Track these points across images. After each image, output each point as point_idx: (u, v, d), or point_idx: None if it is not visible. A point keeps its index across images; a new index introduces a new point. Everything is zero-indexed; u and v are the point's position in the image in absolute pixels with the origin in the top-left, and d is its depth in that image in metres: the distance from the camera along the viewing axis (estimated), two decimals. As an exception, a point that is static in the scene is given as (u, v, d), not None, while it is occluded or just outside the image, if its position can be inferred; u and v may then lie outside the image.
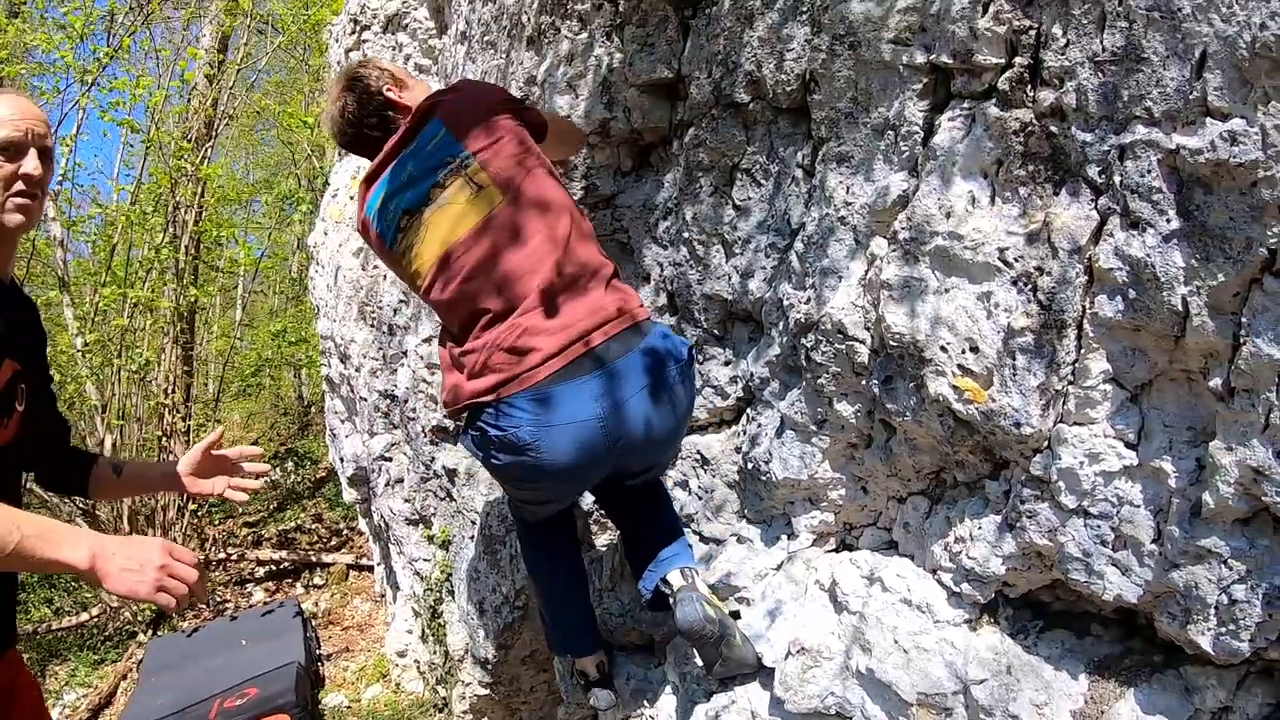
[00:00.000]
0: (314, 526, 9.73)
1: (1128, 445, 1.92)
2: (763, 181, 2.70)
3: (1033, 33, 2.00)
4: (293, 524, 9.92)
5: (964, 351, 2.11)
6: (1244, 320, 1.69)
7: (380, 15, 4.73)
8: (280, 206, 11.72)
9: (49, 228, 8.73)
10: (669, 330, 2.53)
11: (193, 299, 9.31)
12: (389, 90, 2.67)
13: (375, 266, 4.42)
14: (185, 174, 8.53)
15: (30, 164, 2.10)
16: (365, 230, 2.70)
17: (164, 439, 9.04)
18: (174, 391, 9.40)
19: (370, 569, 7.90)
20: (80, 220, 9.42)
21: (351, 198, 4.69)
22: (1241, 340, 1.69)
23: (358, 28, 4.93)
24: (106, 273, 8.89)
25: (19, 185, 2.10)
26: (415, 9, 4.56)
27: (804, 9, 2.53)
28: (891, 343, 2.26)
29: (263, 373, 14.04)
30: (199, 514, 9.06)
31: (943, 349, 2.15)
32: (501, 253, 2.39)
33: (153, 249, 9.01)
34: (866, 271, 2.36)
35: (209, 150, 9.69)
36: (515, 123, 2.56)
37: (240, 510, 10.42)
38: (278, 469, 11.60)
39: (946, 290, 2.14)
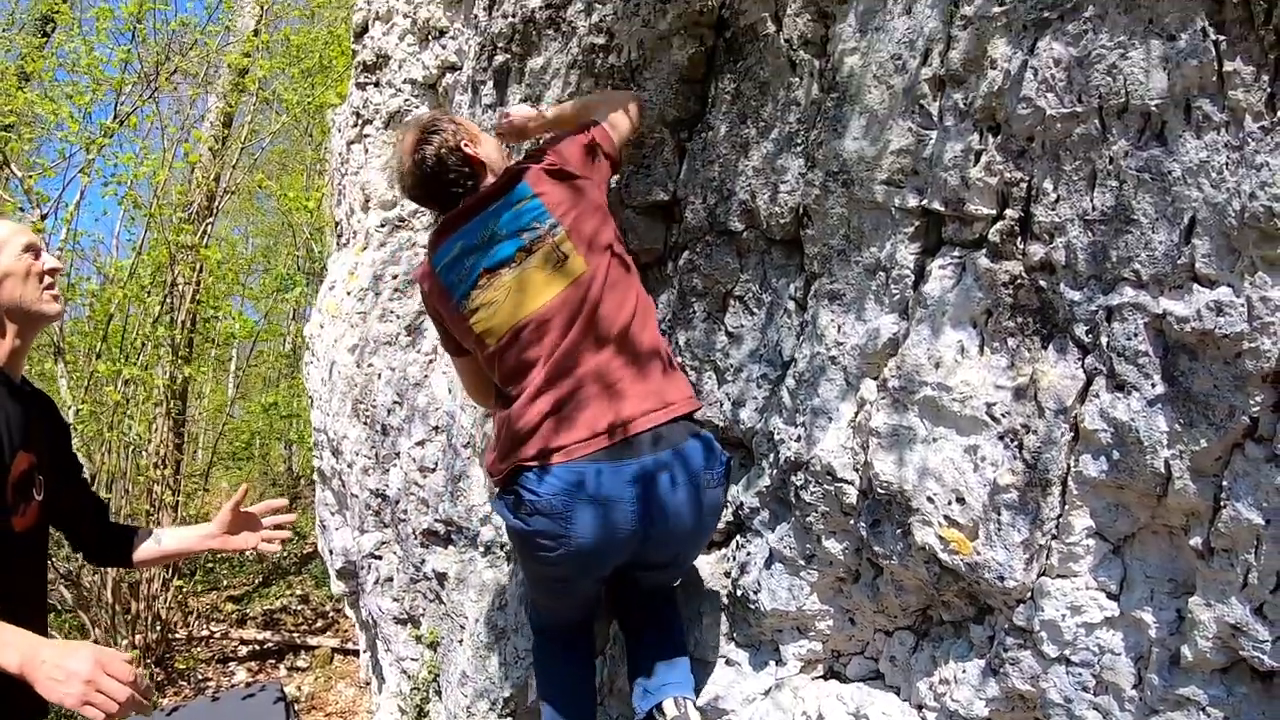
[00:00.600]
0: (300, 608, 9.63)
1: (1110, 596, 1.94)
2: (755, 310, 2.73)
3: (1024, 185, 2.04)
4: (278, 602, 9.82)
5: (950, 503, 2.13)
6: (1225, 484, 1.72)
7: (382, 111, 4.80)
8: (277, 286, 11.78)
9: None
10: (713, 438, 2.55)
11: (186, 375, 9.30)
12: (466, 145, 2.68)
13: (370, 365, 4.44)
14: (184, 251, 8.57)
15: (52, 260, 2.30)
16: (426, 280, 2.72)
17: (152, 512, 8.98)
18: (164, 466, 9.36)
19: (356, 653, 7.81)
20: (79, 282, 9.46)
21: (349, 293, 4.72)
22: (1222, 503, 1.72)
23: (360, 121, 5.00)
24: (102, 342, 8.90)
25: (48, 279, 2.29)
26: (416, 108, 4.62)
27: (798, 142, 2.58)
28: (879, 489, 2.27)
29: (253, 444, 13.99)
30: (183, 588, 8.97)
31: (929, 499, 2.17)
32: (571, 326, 2.43)
33: (149, 322, 9.02)
34: (856, 414, 2.38)
35: (209, 226, 9.75)
36: (598, 188, 2.63)
37: (225, 584, 10.33)
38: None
39: (934, 440, 2.17)
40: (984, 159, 2.11)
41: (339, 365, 4.73)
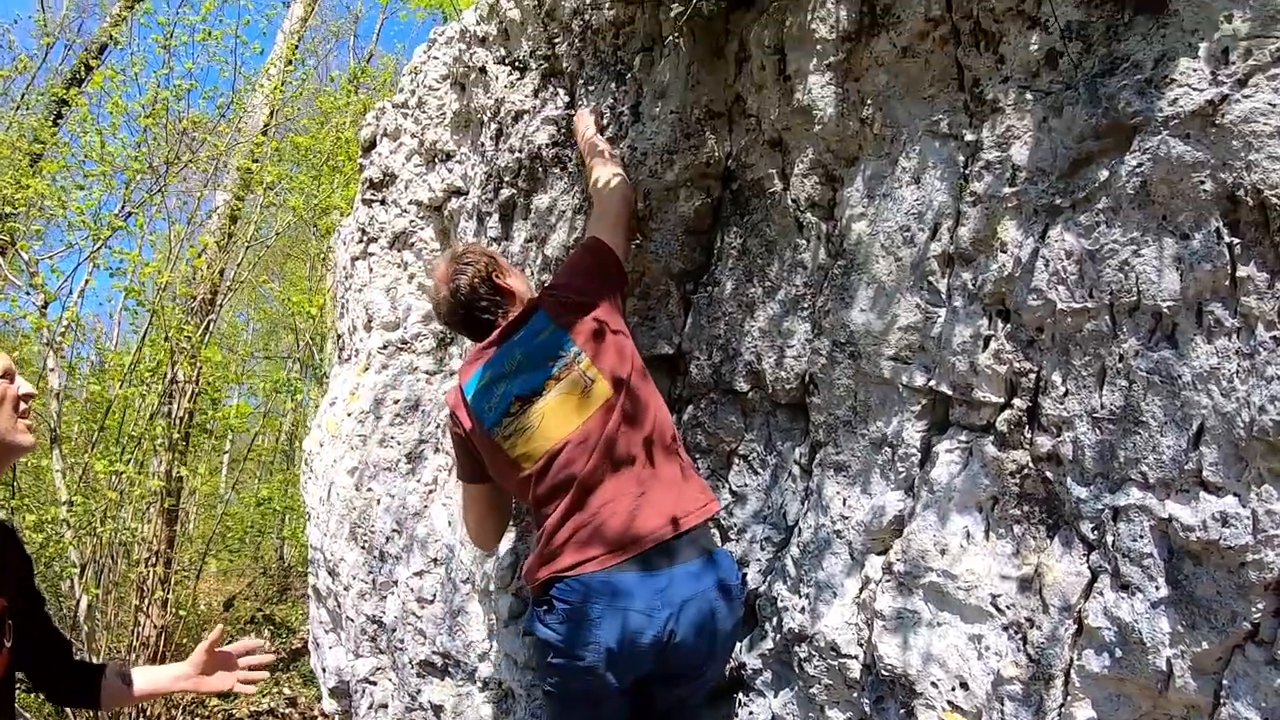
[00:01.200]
0: (288, 711, 9.44)
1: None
2: (760, 470, 2.71)
3: (1033, 376, 2.03)
4: (266, 704, 9.62)
5: (954, 688, 2.09)
6: (1225, 683, 1.70)
7: (388, 230, 4.82)
8: (276, 387, 11.79)
9: (49, 379, 8.72)
10: (729, 554, 2.63)
11: (180, 475, 9.25)
12: (496, 276, 2.84)
13: (369, 490, 4.40)
14: (185, 349, 8.58)
15: (26, 385, 2.18)
16: (459, 408, 2.80)
17: (140, 606, 8.88)
18: (155, 563, 9.27)
19: (345, 763, 7.61)
20: (79, 363, 9.48)
21: (350, 414, 4.70)
22: (1222, 700, 1.70)
23: (365, 238, 5.02)
24: (99, 432, 8.87)
25: (23, 406, 2.17)
26: (421, 229, 4.65)
27: (804, 306, 2.58)
28: (884, 671, 2.23)
29: (246, 537, 13.84)
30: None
31: (933, 684, 2.12)
32: (601, 447, 2.51)
33: (147, 415, 9.00)
34: (861, 591, 2.34)
35: (212, 321, 9.78)
36: (612, 306, 2.72)
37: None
38: (253, 634, 11.33)
39: (939, 625, 2.13)
40: (993, 346, 2.10)
41: (337, 487, 4.68)
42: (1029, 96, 2.12)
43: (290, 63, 10.44)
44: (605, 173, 2.98)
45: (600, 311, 2.69)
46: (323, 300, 10.03)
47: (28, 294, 9.05)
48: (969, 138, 2.24)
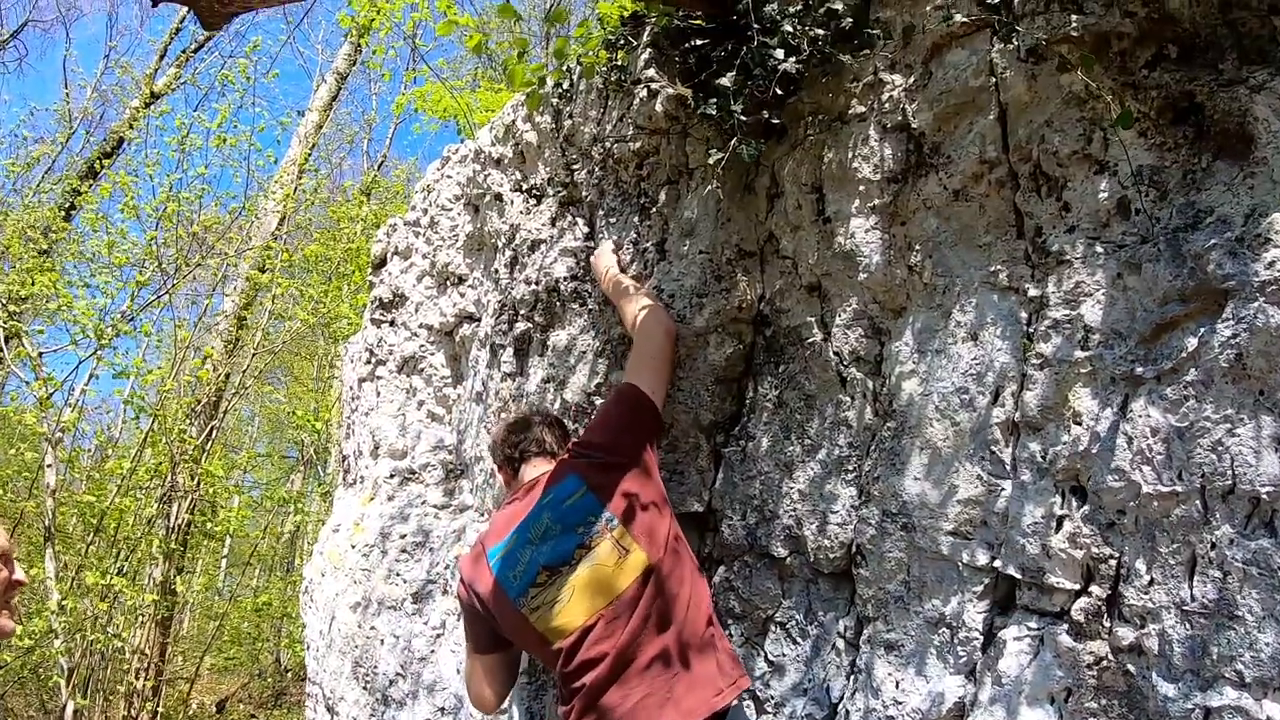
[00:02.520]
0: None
1: None
2: (799, 640, 2.48)
3: (1113, 562, 1.84)
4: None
5: None
6: None
7: (396, 354, 4.65)
8: (279, 501, 11.59)
9: (46, 474, 8.53)
10: None
11: (174, 587, 9.02)
12: (555, 435, 2.82)
13: (373, 628, 4.16)
14: (185, 459, 8.40)
15: (20, 572, 2.13)
16: (480, 579, 2.61)
17: (129, 716, 8.62)
18: (146, 673, 8.99)
19: None
20: (79, 455, 9.31)
21: (354, 546, 4.47)
22: None
23: (373, 360, 4.85)
24: (95, 533, 8.66)
25: (8, 593, 2.11)
26: (431, 354, 4.48)
27: (849, 469, 2.38)
28: None
29: (241, 642, 13.50)
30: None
31: None
32: (635, 620, 2.36)
33: (145, 522, 8.80)
34: (919, 791, 2.10)
35: (216, 428, 9.60)
36: (644, 464, 2.57)
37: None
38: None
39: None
40: (1067, 527, 1.91)
41: (339, 621, 4.44)
42: (1099, 249, 1.98)
43: (303, 171, 10.45)
44: (639, 308, 2.81)
45: (635, 473, 2.53)
46: (327, 415, 9.90)
47: (27, 384, 8.97)
48: (1032, 292, 2.08)
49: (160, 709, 9.32)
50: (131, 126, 12.81)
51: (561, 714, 2.49)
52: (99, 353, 8.86)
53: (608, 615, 2.37)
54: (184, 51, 15.72)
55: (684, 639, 2.36)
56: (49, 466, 8.46)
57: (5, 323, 8.59)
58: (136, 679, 8.73)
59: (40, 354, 8.87)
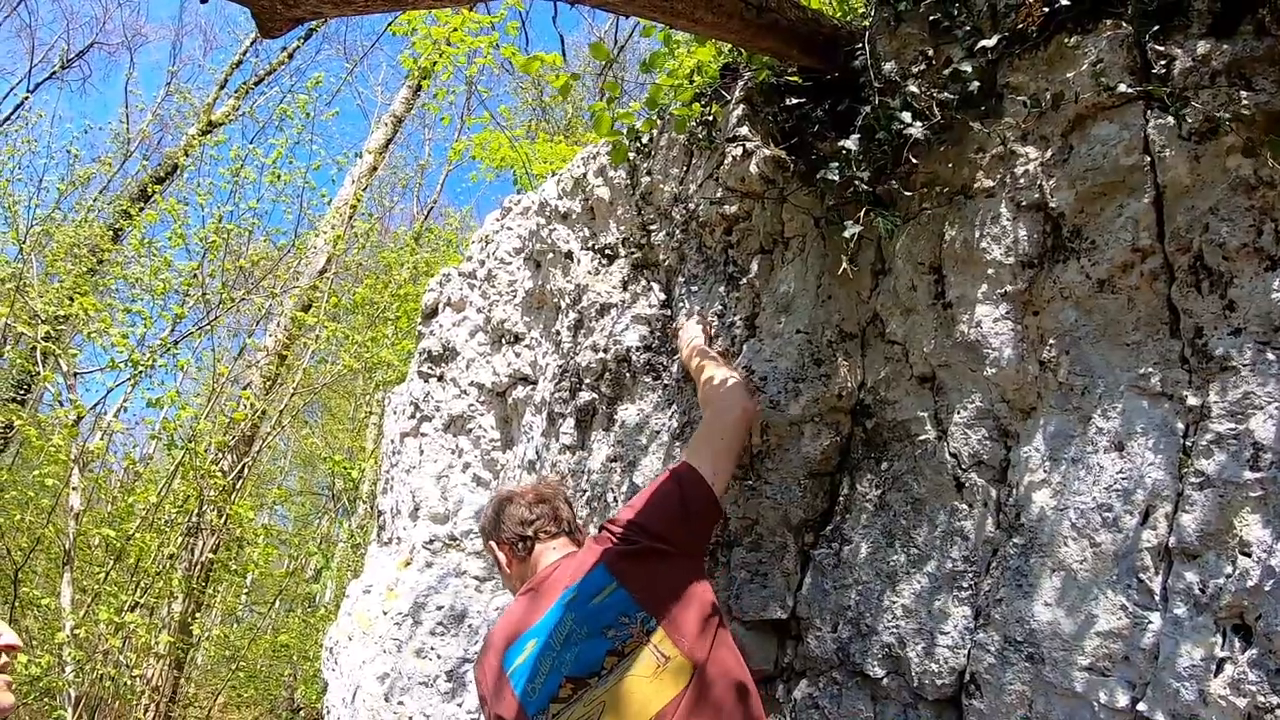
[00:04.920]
0: None
1: None
2: (895, 774, 2.18)
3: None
4: None
5: None
6: None
7: (443, 411, 4.40)
8: (308, 554, 11.42)
9: (70, 497, 8.37)
10: None
11: (191, 629, 8.85)
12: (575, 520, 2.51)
13: (401, 704, 3.88)
14: (213, 500, 8.22)
15: (9, 635, 2.08)
16: (495, 693, 2.22)
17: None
18: (156, 709, 8.78)
19: None
20: (108, 475, 9.19)
21: (385, 613, 4.21)
22: None
23: (418, 415, 4.61)
24: (116, 561, 8.48)
25: (3, 659, 2.05)
26: (481, 415, 4.24)
27: (964, 587, 2.10)
28: None
29: (258, 682, 13.25)
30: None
31: None
32: None
33: (166, 555, 8.61)
34: None
35: (248, 465, 9.42)
36: (692, 555, 2.26)
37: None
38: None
39: None
40: (1229, 671, 1.67)
41: (364, 692, 4.17)
42: (1270, 356, 1.75)
43: (354, 212, 10.38)
44: (718, 381, 2.51)
45: (678, 565, 2.21)
46: (363, 461, 9.72)
47: (59, 405, 8.88)
48: (1191, 401, 1.84)
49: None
50: (186, 154, 12.86)
51: None
52: (136, 379, 8.74)
53: None
54: (244, 84, 15.89)
55: None
56: (74, 489, 8.31)
57: (43, 339, 8.48)
58: (145, 715, 8.51)
59: (76, 374, 8.79)
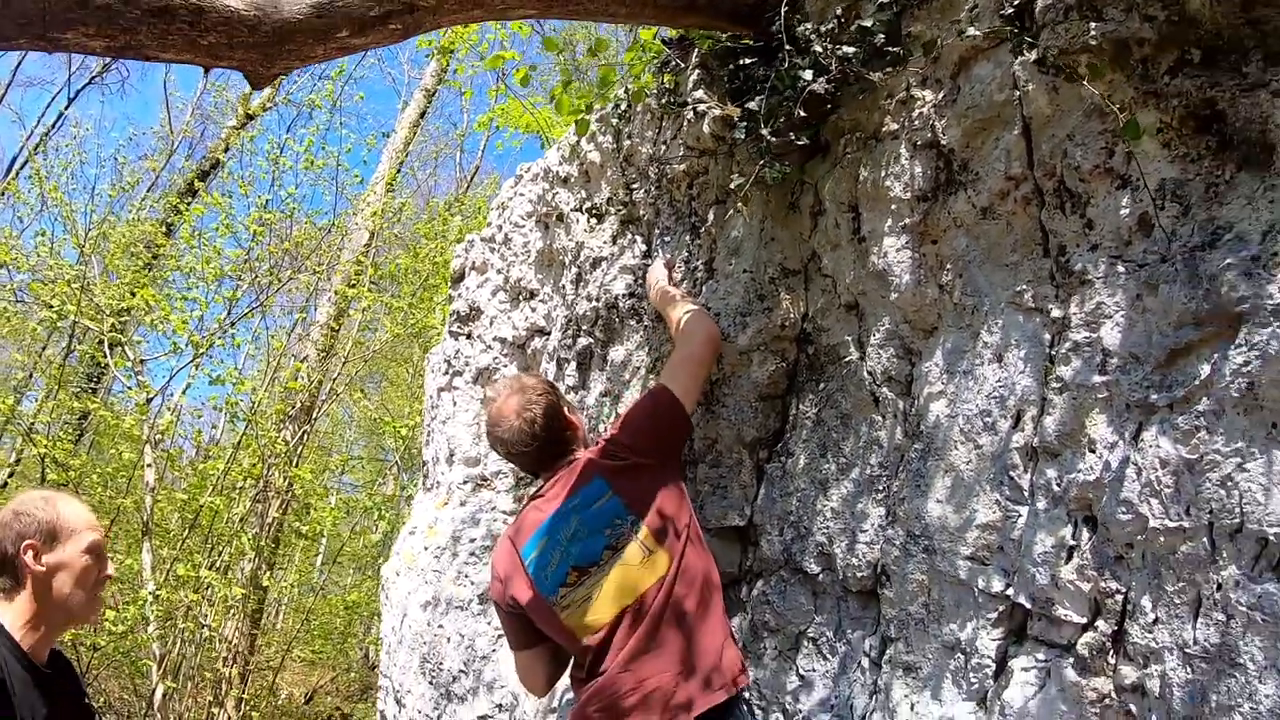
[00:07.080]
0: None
1: None
2: (829, 657, 2.50)
3: (1119, 598, 1.80)
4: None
5: None
6: None
7: (472, 365, 4.79)
8: (366, 507, 11.92)
9: (145, 473, 8.94)
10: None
11: (264, 583, 9.38)
12: (569, 413, 2.83)
13: (440, 626, 4.30)
14: (278, 463, 8.73)
15: (111, 567, 2.30)
16: (511, 576, 2.72)
17: (216, 701, 8.96)
18: (233, 662, 9.33)
19: None
20: (178, 455, 9.73)
21: (426, 548, 4.63)
22: None
23: (451, 371, 5.00)
24: (190, 529, 9.02)
25: (98, 586, 2.26)
26: (505, 366, 4.60)
27: (879, 489, 2.41)
28: None
29: (331, 639, 13.88)
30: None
31: None
32: (654, 614, 2.49)
33: (238, 519, 9.13)
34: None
35: (307, 433, 9.92)
36: (669, 465, 2.67)
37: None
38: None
39: None
40: (1076, 559, 1.89)
41: (410, 619, 4.59)
42: (1120, 269, 1.91)
43: (390, 188, 10.76)
44: (684, 311, 2.86)
45: (659, 476, 2.64)
46: (415, 421, 10.14)
47: (128, 389, 9.41)
48: (1055, 313, 2.04)
49: (245, 696, 9.66)
50: (226, 149, 13.39)
51: (577, 697, 2.64)
52: (197, 360, 9.27)
53: (632, 608, 2.50)
54: (277, 72, 16.22)
55: (697, 633, 2.47)
56: (148, 466, 8.87)
57: (109, 331, 9.04)
58: (224, 667, 9.07)
59: (142, 361, 9.35)
